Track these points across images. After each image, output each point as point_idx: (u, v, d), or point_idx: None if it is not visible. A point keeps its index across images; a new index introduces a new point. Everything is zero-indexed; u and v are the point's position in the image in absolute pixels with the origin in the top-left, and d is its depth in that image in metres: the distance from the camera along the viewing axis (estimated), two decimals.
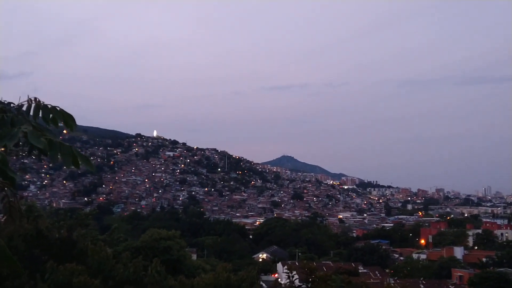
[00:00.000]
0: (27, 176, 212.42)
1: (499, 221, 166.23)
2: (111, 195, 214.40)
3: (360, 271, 61.63)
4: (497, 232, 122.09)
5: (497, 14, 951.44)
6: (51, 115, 3.87)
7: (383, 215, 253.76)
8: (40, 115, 3.84)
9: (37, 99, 3.92)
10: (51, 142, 3.33)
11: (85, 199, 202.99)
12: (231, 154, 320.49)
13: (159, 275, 13.61)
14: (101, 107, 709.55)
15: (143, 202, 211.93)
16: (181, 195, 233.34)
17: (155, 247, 30.37)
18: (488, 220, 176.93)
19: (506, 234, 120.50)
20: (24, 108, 3.82)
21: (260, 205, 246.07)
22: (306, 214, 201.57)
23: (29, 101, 3.88)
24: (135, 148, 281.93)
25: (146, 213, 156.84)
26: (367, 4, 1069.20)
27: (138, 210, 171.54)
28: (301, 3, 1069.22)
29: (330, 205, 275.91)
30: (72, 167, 3.46)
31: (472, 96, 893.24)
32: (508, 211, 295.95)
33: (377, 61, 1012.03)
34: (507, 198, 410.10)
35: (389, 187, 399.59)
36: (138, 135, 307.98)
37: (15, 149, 3.52)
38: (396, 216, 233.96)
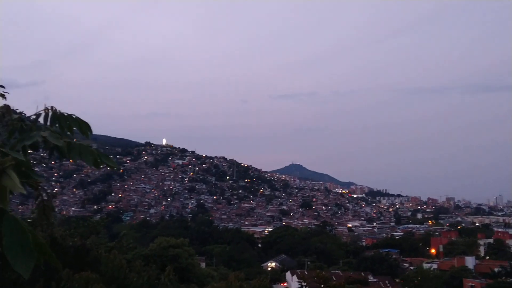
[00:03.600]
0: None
1: (511, 231, 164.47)
2: (120, 203, 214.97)
3: (370, 280, 61.17)
4: (509, 241, 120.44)
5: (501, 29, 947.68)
6: (67, 123, 3.92)
7: (392, 224, 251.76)
8: (57, 123, 3.88)
9: (54, 108, 3.97)
10: (69, 143, 3.41)
11: (95, 207, 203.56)
12: (239, 162, 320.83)
13: (172, 283, 13.60)
14: (111, 115, 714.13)
15: (152, 210, 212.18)
16: (190, 203, 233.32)
17: (164, 255, 30.40)
18: (500, 229, 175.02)
19: None
20: (41, 117, 3.86)
21: (268, 214, 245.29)
22: (315, 223, 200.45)
23: (46, 109, 3.92)
24: (144, 156, 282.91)
25: (155, 221, 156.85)
26: (374, 12, 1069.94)
27: (147, 218, 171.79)
28: (306, 13, 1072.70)
29: (339, 214, 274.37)
30: (93, 167, 3.52)
31: (482, 105, 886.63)
32: None
33: (385, 68, 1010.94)
34: None
35: (399, 195, 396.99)
36: (148, 143, 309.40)
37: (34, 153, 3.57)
38: (406, 225, 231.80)
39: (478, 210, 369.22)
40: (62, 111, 3.97)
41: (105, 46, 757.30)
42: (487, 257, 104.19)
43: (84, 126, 3.99)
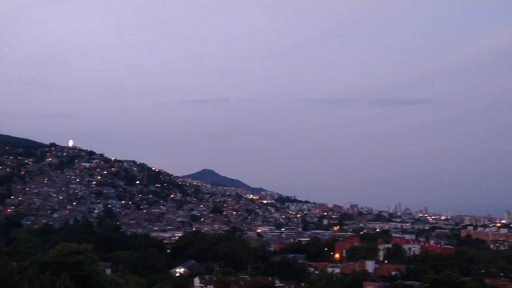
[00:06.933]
0: None
1: (407, 236, 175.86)
2: (21, 206, 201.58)
3: (276, 285, 62.56)
4: (406, 246, 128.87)
5: (406, 45, 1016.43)
6: None
7: (300, 229, 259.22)
8: None
9: None
10: None
11: None
12: (150, 166, 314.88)
13: None
14: (13, 113, 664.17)
15: (55, 215, 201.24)
16: (97, 208, 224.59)
17: (65, 261, 29.03)
18: (398, 235, 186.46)
19: (414, 249, 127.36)
20: None
21: (179, 219, 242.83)
22: (225, 228, 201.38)
23: None
24: (48, 158, 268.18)
25: (58, 226, 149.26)
26: (287, 23, 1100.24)
27: (50, 223, 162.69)
28: (222, 19, 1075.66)
29: (249, 220, 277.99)
30: None
31: (384, 116, 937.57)
32: (416, 227, 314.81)
33: (295, 77, 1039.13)
34: (415, 214, 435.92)
35: (307, 202, 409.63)
36: (53, 144, 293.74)
37: None
38: (312, 231, 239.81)
39: (379, 217, 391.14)
40: None
41: (7, 38, 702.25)
42: (386, 261, 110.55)
43: None
